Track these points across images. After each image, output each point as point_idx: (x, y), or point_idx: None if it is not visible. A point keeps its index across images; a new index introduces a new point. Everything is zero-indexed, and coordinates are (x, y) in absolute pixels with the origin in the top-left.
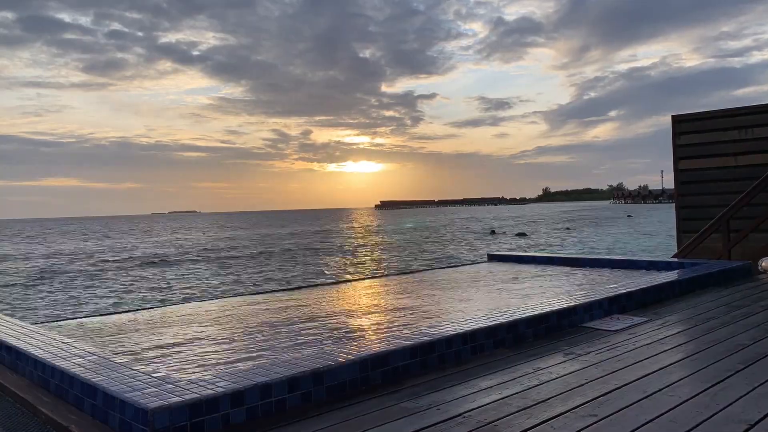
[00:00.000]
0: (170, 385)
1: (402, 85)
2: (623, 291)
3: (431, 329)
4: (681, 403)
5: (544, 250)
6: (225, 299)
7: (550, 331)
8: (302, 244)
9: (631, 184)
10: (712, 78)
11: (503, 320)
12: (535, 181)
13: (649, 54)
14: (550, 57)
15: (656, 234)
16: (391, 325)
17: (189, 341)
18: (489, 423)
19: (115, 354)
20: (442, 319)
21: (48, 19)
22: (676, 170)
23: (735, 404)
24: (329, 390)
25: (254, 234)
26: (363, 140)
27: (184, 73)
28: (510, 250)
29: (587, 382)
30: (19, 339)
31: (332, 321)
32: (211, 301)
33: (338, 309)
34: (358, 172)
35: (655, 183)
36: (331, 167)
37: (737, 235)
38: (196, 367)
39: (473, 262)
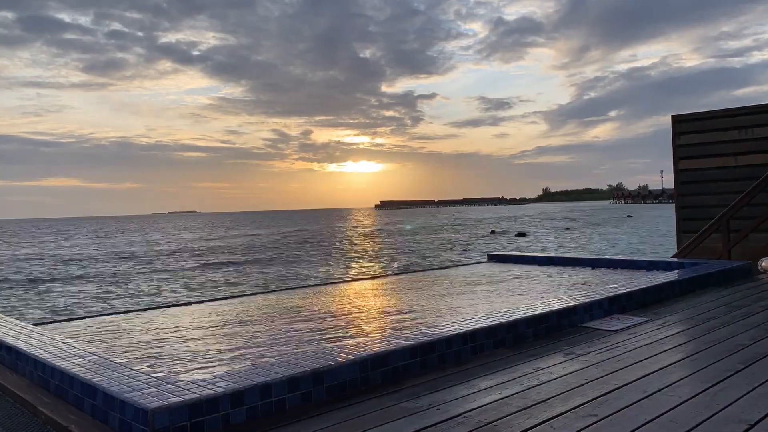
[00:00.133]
0: (170, 385)
1: (402, 85)
2: (623, 291)
3: (431, 329)
4: (681, 403)
5: (544, 250)
6: (225, 299)
7: (550, 331)
8: (304, 245)
9: (631, 184)
10: (712, 78)
11: (503, 320)
12: (535, 181)
13: (649, 54)
14: (550, 57)
15: (656, 234)
16: (391, 325)
17: (189, 341)
18: (489, 423)
19: (115, 354)
20: (442, 319)
21: (48, 19)
22: (676, 170)
23: (735, 404)
24: (329, 390)
25: (266, 233)
26: (363, 140)
27: (184, 73)
28: (510, 250)
29: (587, 382)
30: (19, 339)
31: (332, 321)
32: (211, 302)
33: (338, 309)
34: (358, 172)
35: (655, 183)
36: (331, 167)
37: (737, 235)
38: (196, 367)
39: (473, 262)
